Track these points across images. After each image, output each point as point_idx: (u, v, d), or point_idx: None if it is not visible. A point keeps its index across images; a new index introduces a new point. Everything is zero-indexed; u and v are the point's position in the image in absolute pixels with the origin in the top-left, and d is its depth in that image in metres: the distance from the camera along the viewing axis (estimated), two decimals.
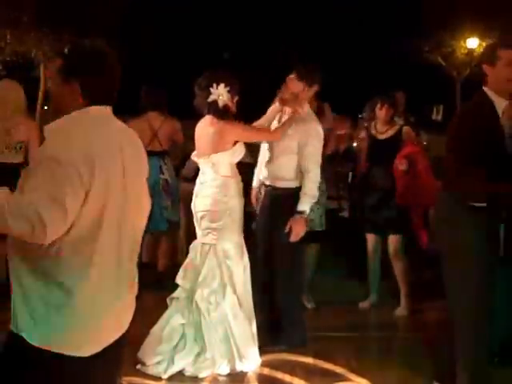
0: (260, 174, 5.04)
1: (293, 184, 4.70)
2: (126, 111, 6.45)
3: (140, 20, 17.29)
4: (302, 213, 4.61)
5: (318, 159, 4.72)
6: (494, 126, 3.60)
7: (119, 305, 2.37)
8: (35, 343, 2.22)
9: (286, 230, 4.58)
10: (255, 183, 5.13)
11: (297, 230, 4.60)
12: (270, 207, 4.80)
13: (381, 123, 5.71)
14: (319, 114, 5.87)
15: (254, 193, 5.11)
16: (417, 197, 5.56)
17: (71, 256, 2.20)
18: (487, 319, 3.70)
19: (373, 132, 5.77)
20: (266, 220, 4.83)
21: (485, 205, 3.61)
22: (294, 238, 4.60)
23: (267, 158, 4.83)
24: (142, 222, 2.47)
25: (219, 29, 18.49)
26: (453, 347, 3.77)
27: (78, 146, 2.15)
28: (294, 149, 4.67)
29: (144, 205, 2.47)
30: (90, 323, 2.27)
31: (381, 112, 5.66)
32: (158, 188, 6.11)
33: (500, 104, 3.63)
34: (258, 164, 5.12)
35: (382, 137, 5.71)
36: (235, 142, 4.40)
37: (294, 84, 4.74)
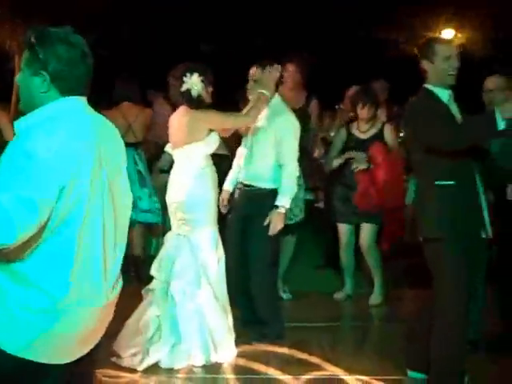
0: (235, 176, 4.99)
1: (271, 185, 4.69)
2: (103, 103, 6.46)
3: (118, 11, 17.14)
4: (279, 207, 4.62)
5: (295, 153, 4.72)
6: (445, 111, 3.75)
7: (103, 306, 2.22)
8: (13, 352, 2.07)
9: (265, 223, 4.60)
10: (227, 186, 5.01)
11: (274, 224, 4.62)
12: (246, 207, 4.78)
13: (363, 122, 5.71)
14: (305, 107, 5.89)
15: (224, 194, 4.99)
16: (375, 202, 5.55)
17: (49, 257, 2.07)
18: (465, 304, 3.76)
19: (355, 132, 5.75)
20: (241, 219, 4.80)
21: (453, 182, 3.70)
22: (271, 231, 4.62)
23: (245, 158, 4.81)
24: (126, 217, 2.33)
25: (197, 20, 18.42)
26: (429, 335, 3.83)
27: (51, 140, 2.02)
28: (272, 145, 4.66)
29: (126, 198, 2.34)
30: (72, 328, 2.13)
31: (362, 111, 5.65)
32: (133, 179, 6.10)
33: (443, 95, 3.79)
34: (233, 167, 5.05)
35: (364, 136, 5.70)
36: (209, 133, 4.39)
37: (253, 70, 4.73)
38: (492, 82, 4.58)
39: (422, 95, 3.85)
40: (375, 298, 5.72)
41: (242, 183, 4.87)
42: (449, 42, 3.98)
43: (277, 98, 4.78)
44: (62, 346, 2.14)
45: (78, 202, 2.07)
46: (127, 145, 6.26)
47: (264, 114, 4.67)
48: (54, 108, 2.14)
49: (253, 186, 4.77)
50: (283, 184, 4.64)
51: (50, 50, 2.12)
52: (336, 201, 5.81)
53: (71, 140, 2.06)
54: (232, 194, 5.05)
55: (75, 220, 2.08)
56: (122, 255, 2.31)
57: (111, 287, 2.25)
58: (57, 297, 2.07)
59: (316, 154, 6.38)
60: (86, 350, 2.24)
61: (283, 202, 4.63)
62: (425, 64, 3.81)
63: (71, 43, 2.15)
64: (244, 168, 4.85)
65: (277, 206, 4.62)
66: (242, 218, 4.80)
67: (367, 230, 5.65)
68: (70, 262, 2.09)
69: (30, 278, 2.06)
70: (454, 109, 3.83)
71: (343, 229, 5.80)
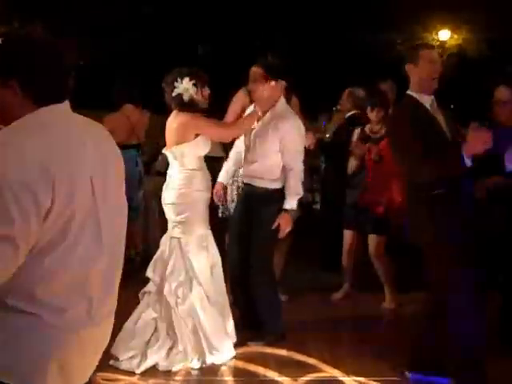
0: (231, 169, 5.06)
1: (275, 185, 4.67)
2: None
3: (117, 14, 17.13)
4: (287, 210, 4.61)
5: (300, 155, 4.69)
6: (429, 120, 3.86)
7: (96, 330, 2.03)
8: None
9: (274, 226, 4.59)
10: (223, 178, 5.09)
11: (283, 227, 4.62)
12: (247, 206, 4.77)
13: (374, 124, 5.75)
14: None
15: (219, 187, 5.06)
16: (378, 195, 5.56)
17: (29, 280, 1.86)
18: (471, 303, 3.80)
19: (368, 133, 5.78)
20: (242, 220, 4.80)
21: (444, 190, 3.76)
22: (281, 234, 4.63)
23: (249, 157, 4.79)
24: (121, 227, 2.12)
25: (193, 22, 18.42)
26: (430, 336, 3.92)
27: (30, 158, 1.77)
28: (277, 147, 4.64)
29: (121, 206, 2.13)
30: (59, 353, 1.93)
31: (372, 114, 5.70)
32: (134, 180, 6.14)
33: (426, 101, 3.92)
34: (231, 160, 5.10)
35: (376, 136, 5.73)
36: (197, 135, 4.39)
37: (257, 75, 4.68)
38: (500, 93, 4.65)
39: (405, 104, 3.97)
40: (388, 303, 5.73)
41: (242, 182, 4.87)
42: (432, 47, 4.17)
43: (282, 101, 4.76)
44: (48, 372, 1.93)
45: (65, 217, 1.86)
46: (131, 146, 6.32)
47: (268, 116, 4.68)
48: (29, 121, 1.89)
49: (253, 186, 4.76)
50: (290, 186, 4.61)
51: (19, 55, 1.89)
52: (347, 207, 5.81)
53: (52, 153, 1.83)
54: (226, 187, 5.16)
55: (59, 241, 1.87)
56: (120, 272, 2.12)
57: (104, 308, 2.05)
58: (41, 317, 1.89)
59: None
60: (82, 381, 2.06)
61: (291, 204, 4.62)
62: (409, 68, 3.94)
63: (42, 47, 1.92)
64: (245, 167, 4.84)
65: (285, 210, 4.60)
66: (243, 217, 4.79)
67: (375, 241, 5.66)
68: (52, 283, 1.89)
69: (7, 297, 1.86)
70: (438, 115, 3.93)
71: (348, 233, 5.81)
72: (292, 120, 4.70)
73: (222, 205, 5.37)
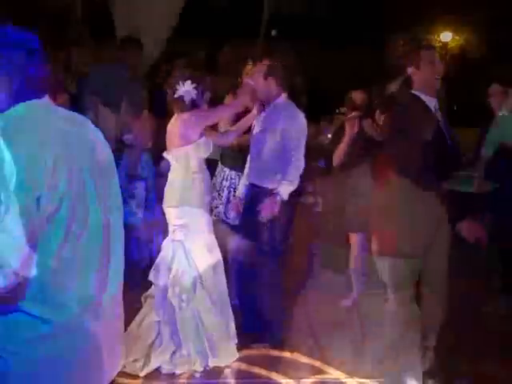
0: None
1: (277, 183, 4.62)
2: None
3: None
4: (276, 193, 4.53)
5: (301, 146, 4.65)
6: (431, 122, 3.84)
7: (106, 330, 2.01)
8: None
9: (258, 208, 4.54)
10: (241, 193, 4.97)
11: (266, 209, 4.53)
12: (255, 208, 4.70)
13: (381, 128, 5.70)
14: None
15: (237, 202, 4.98)
16: None
17: (33, 283, 1.84)
18: None
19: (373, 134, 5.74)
20: (248, 221, 4.76)
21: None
22: (262, 214, 4.53)
23: (251, 158, 4.78)
24: (119, 219, 2.10)
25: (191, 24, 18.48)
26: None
27: (19, 152, 1.77)
28: (277, 140, 4.62)
29: (117, 195, 2.11)
30: (72, 356, 1.94)
31: (379, 119, 5.65)
32: (151, 182, 6.19)
33: (430, 102, 3.88)
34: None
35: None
36: (200, 136, 4.39)
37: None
38: (491, 89, 4.68)
39: (409, 102, 3.94)
40: (390, 304, 5.68)
41: (249, 182, 4.87)
42: (433, 47, 4.13)
43: (282, 97, 4.73)
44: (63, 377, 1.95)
45: (60, 217, 1.85)
46: (148, 150, 6.35)
47: (267, 112, 4.69)
48: (9, 117, 1.89)
49: (258, 186, 4.73)
50: (286, 173, 4.55)
51: None
52: (349, 210, 5.74)
53: (35, 148, 1.82)
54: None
55: (60, 241, 1.87)
56: (122, 264, 2.11)
57: (110, 306, 2.04)
58: (48, 319, 1.88)
59: None
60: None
61: (280, 189, 4.54)
62: (411, 70, 3.91)
63: (12, 44, 1.91)
64: (249, 168, 4.83)
65: (274, 193, 4.52)
66: (249, 218, 4.74)
67: None
68: (57, 285, 1.88)
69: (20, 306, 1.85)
70: (440, 118, 3.91)
71: (355, 238, 5.73)
72: (292, 110, 4.68)
73: (216, 207, 5.31)
